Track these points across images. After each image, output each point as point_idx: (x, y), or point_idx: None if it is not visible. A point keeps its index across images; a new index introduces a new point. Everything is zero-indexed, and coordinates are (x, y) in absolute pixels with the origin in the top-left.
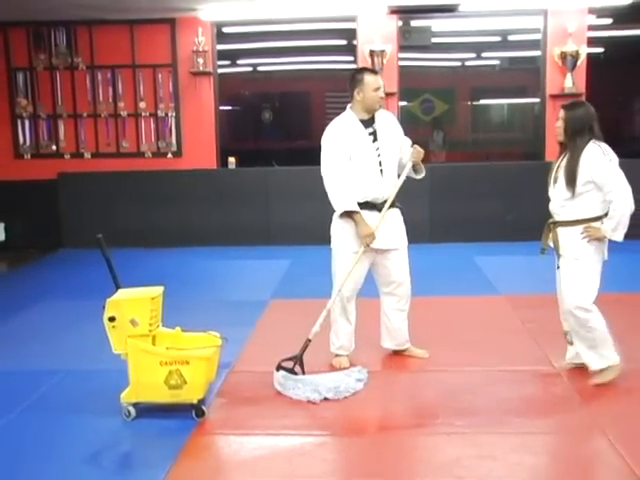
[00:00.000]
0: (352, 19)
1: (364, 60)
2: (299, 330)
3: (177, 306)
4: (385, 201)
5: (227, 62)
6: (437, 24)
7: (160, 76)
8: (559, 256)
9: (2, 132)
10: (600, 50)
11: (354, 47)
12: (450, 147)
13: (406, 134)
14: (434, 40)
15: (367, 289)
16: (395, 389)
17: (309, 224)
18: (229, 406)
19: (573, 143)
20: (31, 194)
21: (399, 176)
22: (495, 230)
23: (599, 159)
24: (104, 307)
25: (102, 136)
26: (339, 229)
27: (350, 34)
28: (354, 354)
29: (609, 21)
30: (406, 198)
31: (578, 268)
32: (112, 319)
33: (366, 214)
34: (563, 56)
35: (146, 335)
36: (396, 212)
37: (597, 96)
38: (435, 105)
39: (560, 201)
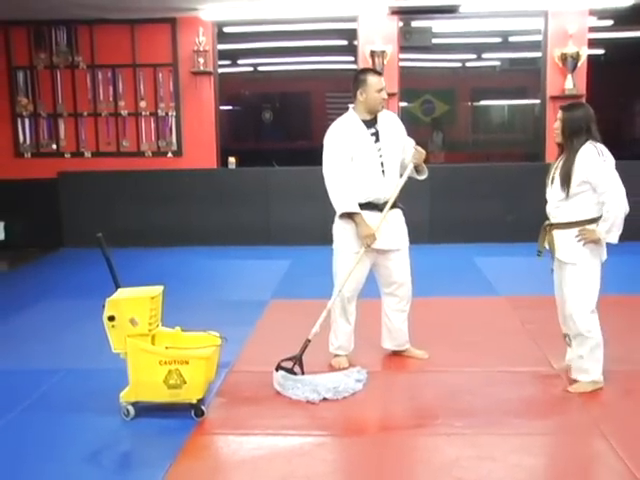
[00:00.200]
0: (353, 19)
1: (365, 60)
2: (299, 330)
3: (177, 305)
4: (387, 202)
5: (228, 62)
6: (438, 25)
7: (160, 75)
8: (554, 259)
9: (2, 131)
10: (601, 52)
11: (355, 47)
12: (450, 148)
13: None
14: (435, 41)
15: (368, 289)
16: (395, 390)
17: (309, 224)
18: (228, 406)
19: (570, 144)
20: (31, 193)
21: (401, 177)
22: (495, 231)
23: (594, 159)
24: (104, 306)
25: (102, 135)
26: (340, 229)
27: (351, 34)
28: (354, 354)
29: (610, 23)
30: (406, 199)
31: (577, 274)
32: (112, 318)
33: (367, 214)
34: (563, 57)
35: (145, 334)
36: (398, 213)
37: (597, 98)
38: (435, 106)
39: (555, 202)
